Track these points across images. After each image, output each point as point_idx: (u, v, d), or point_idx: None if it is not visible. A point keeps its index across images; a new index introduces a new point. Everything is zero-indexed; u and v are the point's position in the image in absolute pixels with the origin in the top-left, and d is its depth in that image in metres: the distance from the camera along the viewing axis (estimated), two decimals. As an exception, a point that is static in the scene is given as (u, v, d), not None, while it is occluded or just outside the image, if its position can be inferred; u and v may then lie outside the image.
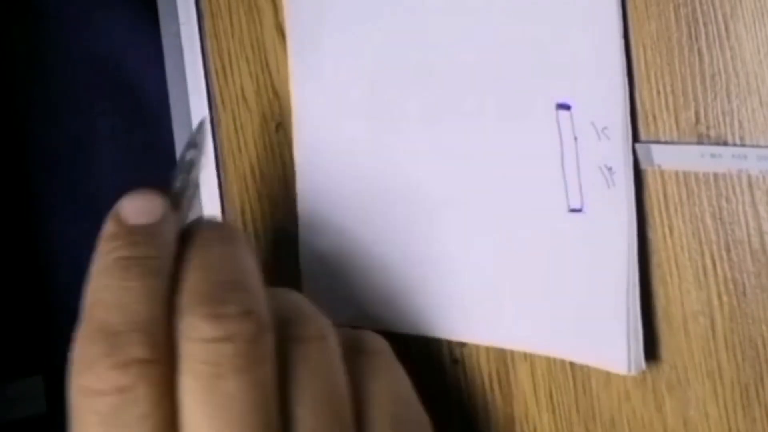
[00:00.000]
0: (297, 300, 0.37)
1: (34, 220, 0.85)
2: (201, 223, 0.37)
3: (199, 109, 0.58)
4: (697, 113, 0.39)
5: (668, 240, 0.40)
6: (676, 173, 0.40)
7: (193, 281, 0.34)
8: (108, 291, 0.34)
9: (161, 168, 0.86)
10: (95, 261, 0.35)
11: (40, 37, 0.84)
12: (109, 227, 0.36)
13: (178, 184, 0.39)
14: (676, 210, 0.40)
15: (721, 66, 0.38)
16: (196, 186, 0.40)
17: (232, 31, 0.55)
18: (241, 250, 0.36)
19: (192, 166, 0.39)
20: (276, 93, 0.53)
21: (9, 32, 0.83)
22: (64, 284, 0.87)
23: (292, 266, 0.53)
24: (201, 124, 0.42)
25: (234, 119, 0.56)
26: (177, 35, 0.59)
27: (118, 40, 0.86)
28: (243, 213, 0.56)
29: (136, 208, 0.36)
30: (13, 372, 0.85)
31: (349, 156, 0.49)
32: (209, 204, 0.58)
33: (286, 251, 0.54)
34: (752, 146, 0.38)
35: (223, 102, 0.57)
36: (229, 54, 0.56)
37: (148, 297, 0.34)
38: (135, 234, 0.35)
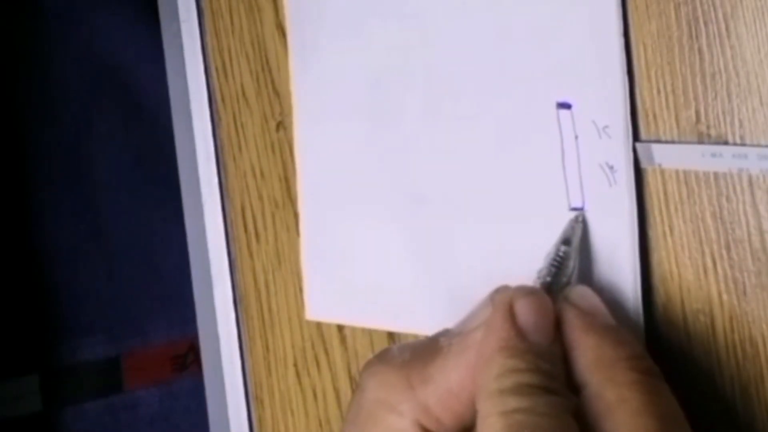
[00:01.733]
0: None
1: (31, 219, 0.85)
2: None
3: (199, 108, 0.58)
4: (697, 112, 0.39)
5: (668, 239, 0.40)
6: (677, 172, 0.40)
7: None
8: (526, 415, 0.34)
9: (160, 168, 0.86)
10: (490, 364, 0.36)
11: (39, 36, 0.84)
12: (505, 329, 0.36)
13: (549, 278, 0.39)
14: (676, 209, 0.40)
15: (722, 65, 0.38)
16: (568, 283, 0.40)
17: (233, 29, 0.55)
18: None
19: (564, 261, 0.40)
20: (276, 92, 0.53)
21: (8, 31, 0.83)
22: (61, 284, 0.87)
23: (293, 265, 0.53)
24: (573, 220, 0.41)
25: (234, 118, 0.56)
26: (177, 34, 0.59)
27: (117, 39, 0.86)
28: (243, 212, 0.56)
29: (530, 311, 0.37)
30: (9, 371, 0.85)
31: (349, 155, 0.49)
32: (210, 203, 0.58)
33: (287, 251, 0.54)
34: (753, 145, 0.38)
35: (223, 100, 0.56)
36: (230, 52, 0.56)
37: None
38: (540, 359, 0.36)
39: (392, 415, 0.37)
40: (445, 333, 0.39)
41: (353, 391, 0.40)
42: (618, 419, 0.34)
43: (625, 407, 0.34)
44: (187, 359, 0.93)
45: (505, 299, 0.37)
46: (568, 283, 0.40)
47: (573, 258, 0.40)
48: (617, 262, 0.41)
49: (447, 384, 0.37)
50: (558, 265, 0.40)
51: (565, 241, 0.40)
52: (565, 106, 0.42)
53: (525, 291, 0.38)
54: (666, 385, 0.36)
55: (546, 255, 0.40)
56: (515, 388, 0.34)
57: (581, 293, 0.39)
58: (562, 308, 0.38)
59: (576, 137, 0.41)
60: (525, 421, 0.33)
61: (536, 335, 0.36)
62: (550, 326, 0.37)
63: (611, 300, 0.41)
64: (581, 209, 0.41)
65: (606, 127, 0.40)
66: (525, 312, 0.37)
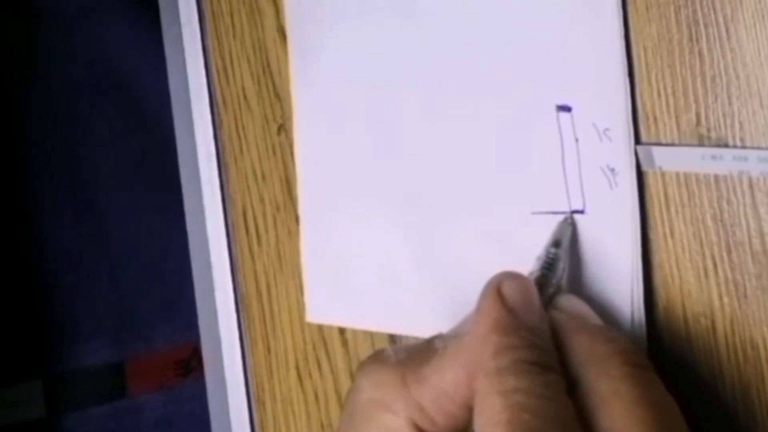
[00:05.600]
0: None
1: (33, 224, 0.85)
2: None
3: (200, 111, 0.58)
4: (697, 115, 0.39)
5: (669, 241, 0.40)
6: (677, 175, 0.40)
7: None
8: (526, 395, 0.34)
9: (161, 171, 0.86)
10: (485, 344, 0.36)
11: (39, 39, 0.84)
12: (496, 309, 0.37)
13: (540, 280, 0.40)
14: (677, 211, 0.40)
15: (722, 68, 0.38)
16: (559, 284, 0.41)
17: (234, 32, 0.56)
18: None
19: (555, 263, 0.41)
20: (277, 95, 0.54)
21: (8, 34, 0.83)
22: (64, 289, 0.87)
23: (295, 267, 0.53)
24: (563, 222, 0.42)
25: (236, 121, 0.56)
26: (178, 37, 0.59)
27: (118, 42, 0.86)
28: (245, 214, 0.56)
29: (517, 292, 0.38)
30: (12, 376, 0.85)
31: (349, 157, 0.49)
32: (211, 206, 0.58)
33: (288, 253, 0.54)
34: (753, 148, 0.38)
35: (224, 103, 0.57)
36: (231, 55, 0.56)
37: (563, 415, 0.34)
38: (533, 335, 0.36)
39: (387, 413, 0.37)
40: (440, 336, 0.39)
41: (348, 391, 0.40)
42: (613, 410, 0.35)
43: (620, 399, 0.35)
44: (190, 364, 0.93)
45: (492, 283, 0.38)
46: (559, 285, 0.40)
47: (563, 259, 0.41)
48: (618, 264, 0.41)
49: (441, 384, 0.37)
50: (548, 266, 0.40)
51: (555, 243, 0.41)
52: (565, 108, 0.42)
53: (510, 275, 0.38)
54: (658, 377, 0.37)
55: (537, 257, 0.41)
56: (512, 366, 0.35)
57: (569, 300, 0.40)
58: (552, 314, 0.39)
59: (576, 140, 0.41)
60: (525, 403, 0.34)
61: (526, 314, 0.37)
62: (538, 306, 0.38)
63: (612, 302, 0.41)
64: (582, 212, 0.42)
65: (607, 129, 0.40)
66: (512, 293, 0.37)
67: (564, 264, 0.41)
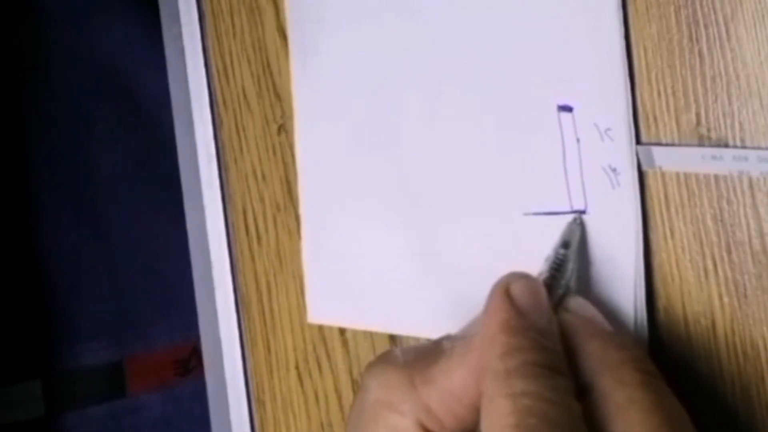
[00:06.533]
0: None
1: (32, 224, 0.85)
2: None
3: (200, 111, 0.58)
4: (697, 115, 0.39)
5: (669, 241, 0.40)
6: (677, 175, 0.40)
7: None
8: (533, 399, 0.34)
9: (161, 171, 0.86)
10: (493, 344, 0.36)
11: (40, 39, 0.84)
12: (504, 309, 0.37)
13: (549, 281, 0.40)
14: (677, 211, 0.40)
15: (722, 68, 0.38)
16: (567, 285, 0.40)
17: (234, 32, 0.56)
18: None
19: (563, 264, 0.40)
20: (278, 95, 0.54)
21: (9, 34, 0.83)
22: (63, 289, 0.87)
23: (295, 267, 0.53)
24: (572, 223, 0.42)
25: (236, 121, 0.56)
26: (178, 37, 0.59)
27: (118, 42, 0.86)
28: (245, 214, 0.56)
29: (526, 292, 0.37)
30: (11, 376, 0.85)
31: (350, 157, 0.49)
32: (211, 206, 0.58)
33: (288, 253, 0.54)
34: (753, 148, 0.38)
35: (224, 103, 0.57)
36: (231, 55, 0.56)
37: (571, 420, 0.34)
38: (542, 337, 0.36)
39: (394, 414, 0.37)
40: (448, 337, 0.39)
41: (355, 393, 0.40)
42: (630, 418, 0.35)
43: (636, 407, 0.35)
44: (189, 363, 0.93)
45: (501, 284, 0.38)
46: (567, 286, 0.40)
47: (572, 260, 0.41)
48: (620, 264, 0.41)
49: (449, 386, 0.37)
50: (557, 267, 0.40)
51: (564, 244, 0.41)
52: (566, 109, 0.42)
53: (519, 275, 0.38)
54: (666, 386, 0.37)
55: (545, 258, 0.41)
56: (521, 368, 0.35)
57: (578, 303, 0.40)
58: (563, 317, 0.38)
59: (578, 140, 0.41)
60: (532, 407, 0.34)
61: (535, 315, 0.37)
62: (547, 307, 0.38)
63: (615, 302, 0.41)
64: (583, 212, 0.42)
65: (608, 129, 0.40)
66: (521, 293, 0.37)
67: (573, 265, 0.41)
